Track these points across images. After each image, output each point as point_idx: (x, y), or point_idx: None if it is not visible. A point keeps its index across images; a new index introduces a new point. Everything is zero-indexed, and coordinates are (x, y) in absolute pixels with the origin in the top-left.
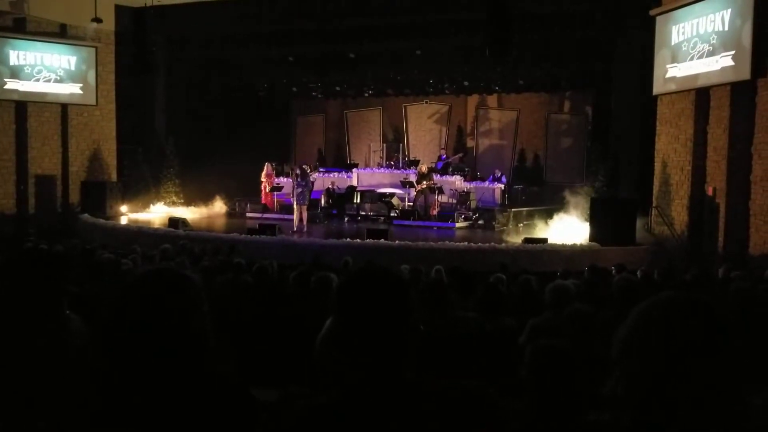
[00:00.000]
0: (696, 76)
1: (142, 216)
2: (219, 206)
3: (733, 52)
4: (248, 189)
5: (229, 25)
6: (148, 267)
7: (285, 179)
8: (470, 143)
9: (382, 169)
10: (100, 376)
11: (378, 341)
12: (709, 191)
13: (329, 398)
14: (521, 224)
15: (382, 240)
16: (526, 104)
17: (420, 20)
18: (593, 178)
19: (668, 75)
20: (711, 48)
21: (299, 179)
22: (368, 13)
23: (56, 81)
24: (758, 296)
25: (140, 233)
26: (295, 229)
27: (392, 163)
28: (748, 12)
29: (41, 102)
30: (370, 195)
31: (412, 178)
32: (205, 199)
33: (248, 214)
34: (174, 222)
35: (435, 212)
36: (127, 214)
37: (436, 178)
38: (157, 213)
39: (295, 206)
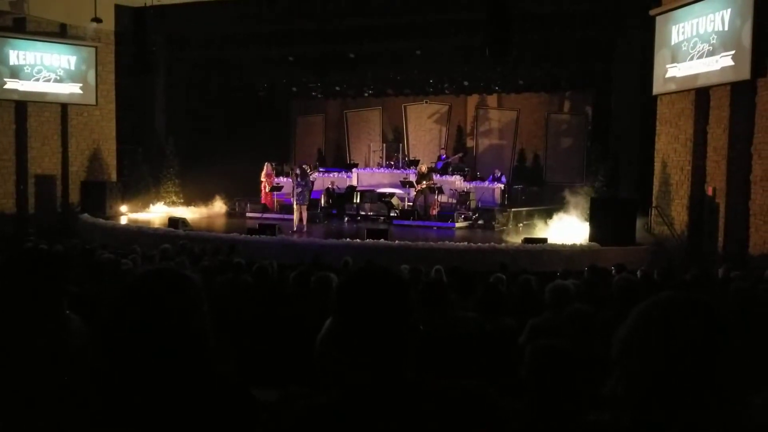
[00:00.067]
0: (696, 76)
1: (142, 216)
2: (219, 206)
3: (732, 52)
4: (248, 189)
5: (229, 25)
6: (148, 267)
7: (285, 179)
8: (470, 143)
9: (381, 169)
10: (100, 376)
11: (378, 341)
12: (709, 191)
13: (329, 398)
14: (521, 224)
15: (382, 240)
16: (526, 104)
17: (420, 20)
18: (593, 178)
19: (668, 75)
20: (711, 48)
21: (299, 179)
22: (368, 13)
23: (56, 81)
24: (758, 296)
25: (140, 233)
26: (294, 228)
27: (392, 163)
28: (748, 12)
29: (41, 102)
30: (369, 195)
31: (412, 178)
32: (205, 199)
33: (248, 214)
34: (174, 222)
35: (435, 212)
36: (126, 214)
37: (436, 178)
38: (157, 213)
39: (294, 206)
